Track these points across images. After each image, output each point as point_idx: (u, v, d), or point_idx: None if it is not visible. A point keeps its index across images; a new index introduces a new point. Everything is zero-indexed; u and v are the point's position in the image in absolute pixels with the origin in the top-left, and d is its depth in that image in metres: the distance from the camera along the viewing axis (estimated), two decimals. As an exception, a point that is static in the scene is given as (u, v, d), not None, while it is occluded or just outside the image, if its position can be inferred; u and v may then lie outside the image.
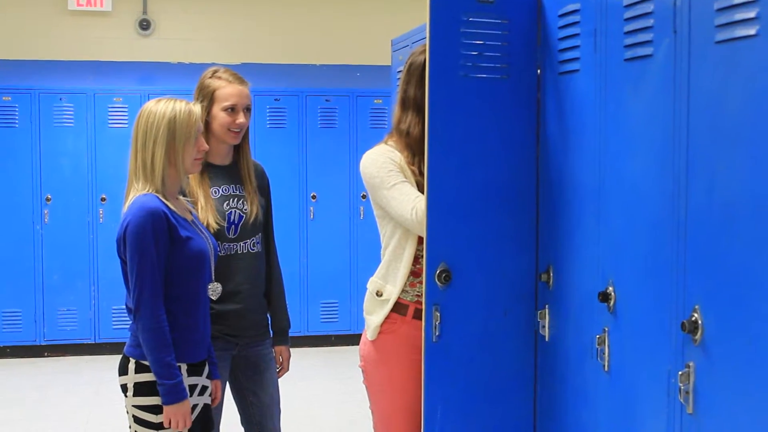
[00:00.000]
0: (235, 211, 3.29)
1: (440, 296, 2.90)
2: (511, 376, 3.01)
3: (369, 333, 3.11)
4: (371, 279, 3.15)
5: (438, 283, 2.89)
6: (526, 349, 3.00)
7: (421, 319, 2.99)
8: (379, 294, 3.09)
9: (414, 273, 3.04)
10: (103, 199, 7.44)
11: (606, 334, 2.58)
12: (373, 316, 3.09)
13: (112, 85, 7.64)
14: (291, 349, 3.55)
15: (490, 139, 2.95)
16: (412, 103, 3.06)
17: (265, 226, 3.44)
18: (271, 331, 3.48)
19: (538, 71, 2.99)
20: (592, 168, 2.67)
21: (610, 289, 2.56)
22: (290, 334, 3.54)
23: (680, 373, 2.19)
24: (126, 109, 7.43)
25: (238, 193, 3.32)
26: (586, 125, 2.72)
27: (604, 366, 2.59)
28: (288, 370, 3.52)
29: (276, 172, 7.87)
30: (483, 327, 2.97)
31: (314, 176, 7.72)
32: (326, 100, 7.75)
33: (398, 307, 3.05)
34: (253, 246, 3.33)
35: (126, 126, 7.33)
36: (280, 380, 3.48)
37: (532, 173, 2.98)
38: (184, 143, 2.92)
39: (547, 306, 2.94)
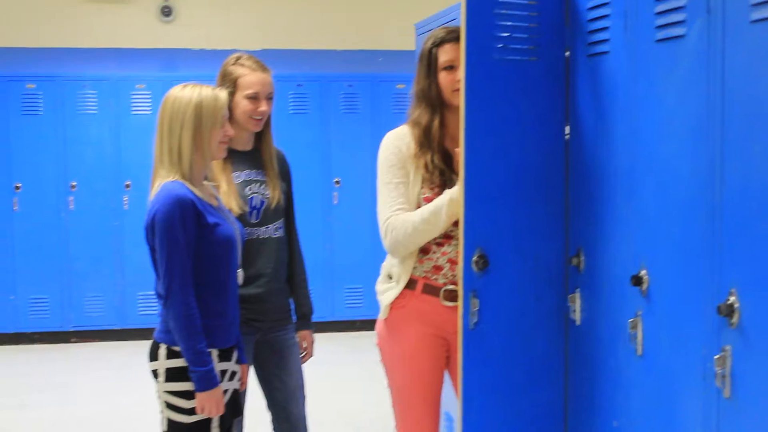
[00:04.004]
0: (257, 196, 3.31)
1: (477, 282, 2.88)
2: (542, 361, 3.00)
3: (381, 312, 3.18)
4: (383, 264, 3.21)
5: (475, 269, 2.88)
6: (557, 333, 2.99)
7: (430, 294, 3.07)
8: (390, 277, 3.15)
9: (423, 250, 3.09)
10: (127, 186, 7.47)
11: (639, 318, 2.55)
12: (385, 295, 3.15)
13: (134, 72, 7.66)
14: (316, 334, 3.56)
15: (522, 122, 2.92)
16: (419, 94, 3.12)
17: (286, 212, 3.45)
18: (294, 317, 3.50)
19: (567, 53, 2.97)
20: (623, 150, 2.64)
21: (643, 272, 2.53)
22: (315, 320, 3.55)
23: (716, 357, 2.17)
24: (149, 96, 7.46)
25: (260, 178, 3.34)
26: (616, 107, 2.69)
27: (637, 350, 2.56)
28: (312, 355, 3.54)
29: (299, 158, 7.89)
30: (518, 312, 2.95)
31: (337, 162, 7.72)
32: (348, 86, 7.74)
33: (409, 283, 3.10)
34: (276, 231, 3.35)
35: (149, 112, 7.35)
36: (304, 365, 3.49)
37: (562, 156, 2.96)
38: (210, 128, 2.92)
39: (577, 290, 2.92)
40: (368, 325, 7.78)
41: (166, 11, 8.13)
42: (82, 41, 7.97)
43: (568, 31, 2.95)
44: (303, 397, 3.47)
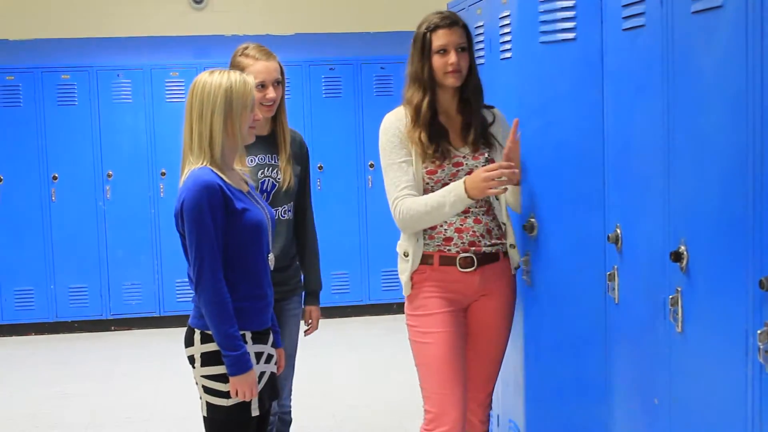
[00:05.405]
0: (269, 180, 3.45)
1: (530, 245, 3.19)
2: (585, 334, 3.07)
3: (404, 290, 3.36)
4: (398, 243, 3.36)
5: (527, 232, 3.15)
6: (597, 308, 2.98)
7: (447, 265, 3.25)
8: (406, 255, 3.30)
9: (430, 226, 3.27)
10: (163, 174, 7.51)
11: (679, 295, 2.52)
12: (404, 274, 3.33)
13: (168, 60, 7.68)
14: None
15: (562, 101, 3.02)
16: (414, 75, 3.30)
17: (301, 194, 3.60)
18: (303, 292, 3.68)
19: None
20: (661, 125, 2.60)
21: (683, 248, 2.50)
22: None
23: (759, 332, 2.13)
24: (182, 84, 7.48)
25: (273, 162, 3.48)
26: (653, 81, 2.65)
27: (677, 327, 2.53)
28: (317, 328, 3.72)
29: (333, 142, 7.90)
30: (563, 282, 3.10)
31: (371, 145, 7.62)
32: (381, 68, 7.71)
33: (424, 259, 3.27)
34: (284, 213, 3.50)
35: (183, 100, 7.35)
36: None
37: (600, 132, 2.94)
38: (241, 113, 2.93)
39: (615, 267, 2.89)
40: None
41: (198, -1, 8.14)
42: (115, 31, 8.01)
43: (604, 6, 2.91)
44: (291, 366, 3.60)
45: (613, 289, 2.89)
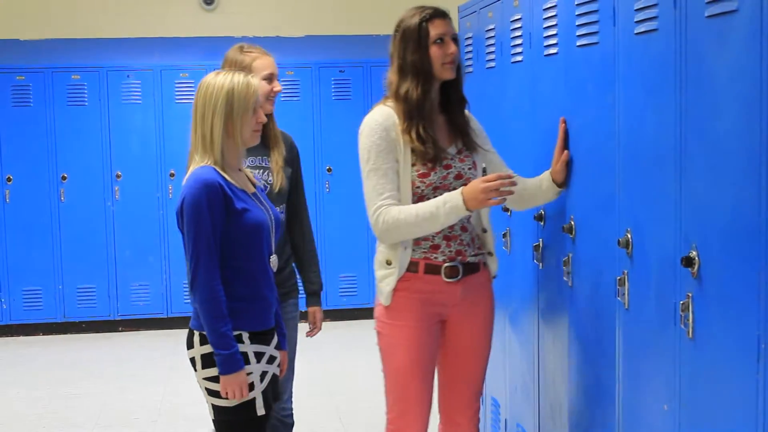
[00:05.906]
0: (260, 182, 3.38)
1: (571, 247, 3.21)
2: (596, 338, 3.06)
3: (383, 299, 3.18)
4: (378, 249, 3.21)
5: (568, 234, 3.18)
6: (608, 312, 2.97)
7: (432, 274, 3.11)
8: (389, 263, 3.14)
9: None
10: (171, 175, 7.52)
11: (690, 300, 2.50)
12: (386, 281, 3.16)
13: (177, 61, 7.71)
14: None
15: (588, 104, 3.03)
16: (410, 68, 3.10)
17: (295, 195, 3.62)
18: (302, 294, 3.72)
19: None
20: (673, 129, 2.59)
21: (694, 253, 2.48)
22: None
23: (772, 338, 2.12)
24: (192, 85, 7.49)
25: (263, 164, 3.49)
26: (665, 85, 2.63)
27: (688, 333, 2.51)
28: (320, 329, 3.76)
29: (342, 144, 7.90)
30: (591, 284, 3.10)
31: (380, 148, 7.68)
32: (391, 71, 7.70)
33: (409, 266, 3.13)
34: None
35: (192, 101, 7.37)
36: (316, 337, 3.72)
37: (613, 136, 2.93)
38: (242, 115, 2.94)
39: (625, 272, 2.87)
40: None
41: (208, 0, 8.15)
42: (126, 32, 8.03)
43: (617, 9, 2.90)
44: (291, 370, 3.59)
45: (624, 294, 2.87)
